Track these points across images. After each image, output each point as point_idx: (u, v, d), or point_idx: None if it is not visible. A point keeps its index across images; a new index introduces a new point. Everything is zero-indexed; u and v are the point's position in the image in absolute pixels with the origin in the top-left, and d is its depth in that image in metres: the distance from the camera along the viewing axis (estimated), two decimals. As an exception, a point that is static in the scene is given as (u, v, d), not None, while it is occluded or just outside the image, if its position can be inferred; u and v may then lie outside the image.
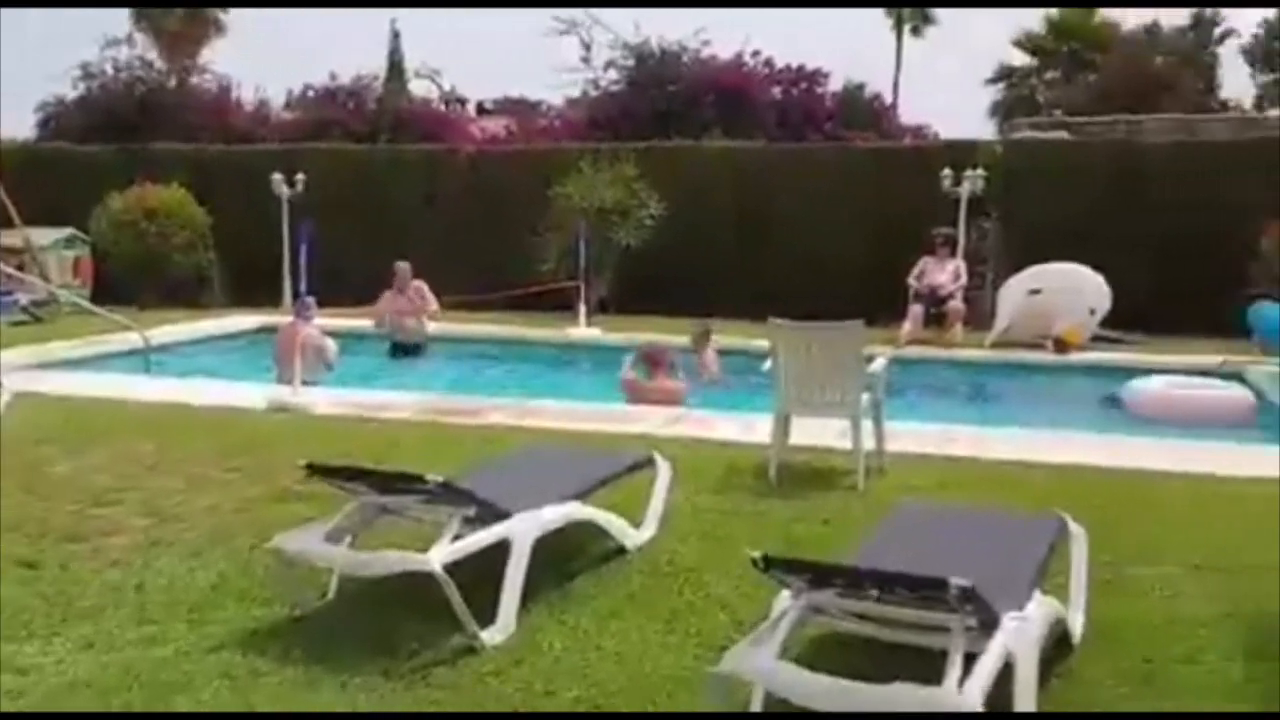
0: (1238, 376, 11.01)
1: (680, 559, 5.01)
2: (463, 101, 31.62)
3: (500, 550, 4.25)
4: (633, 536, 5.12)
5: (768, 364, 6.56)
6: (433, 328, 13.07)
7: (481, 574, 4.16)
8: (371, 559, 3.96)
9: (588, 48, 19.25)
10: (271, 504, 5.76)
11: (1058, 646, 3.97)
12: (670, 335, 12.31)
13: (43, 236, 17.80)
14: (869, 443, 6.66)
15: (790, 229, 16.35)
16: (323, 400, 8.89)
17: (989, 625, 3.24)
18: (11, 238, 17.36)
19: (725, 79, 18.40)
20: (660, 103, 18.25)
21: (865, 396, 6.54)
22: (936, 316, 13.45)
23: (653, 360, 9.49)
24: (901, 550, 4.09)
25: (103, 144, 19.40)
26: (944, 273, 13.55)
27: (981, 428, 8.20)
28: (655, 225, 15.73)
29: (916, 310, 13.19)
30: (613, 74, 19.13)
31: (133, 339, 11.66)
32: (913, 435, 7.57)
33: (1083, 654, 4.05)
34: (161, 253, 16.63)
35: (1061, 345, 12.29)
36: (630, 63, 18.91)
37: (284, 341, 10.17)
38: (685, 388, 9.44)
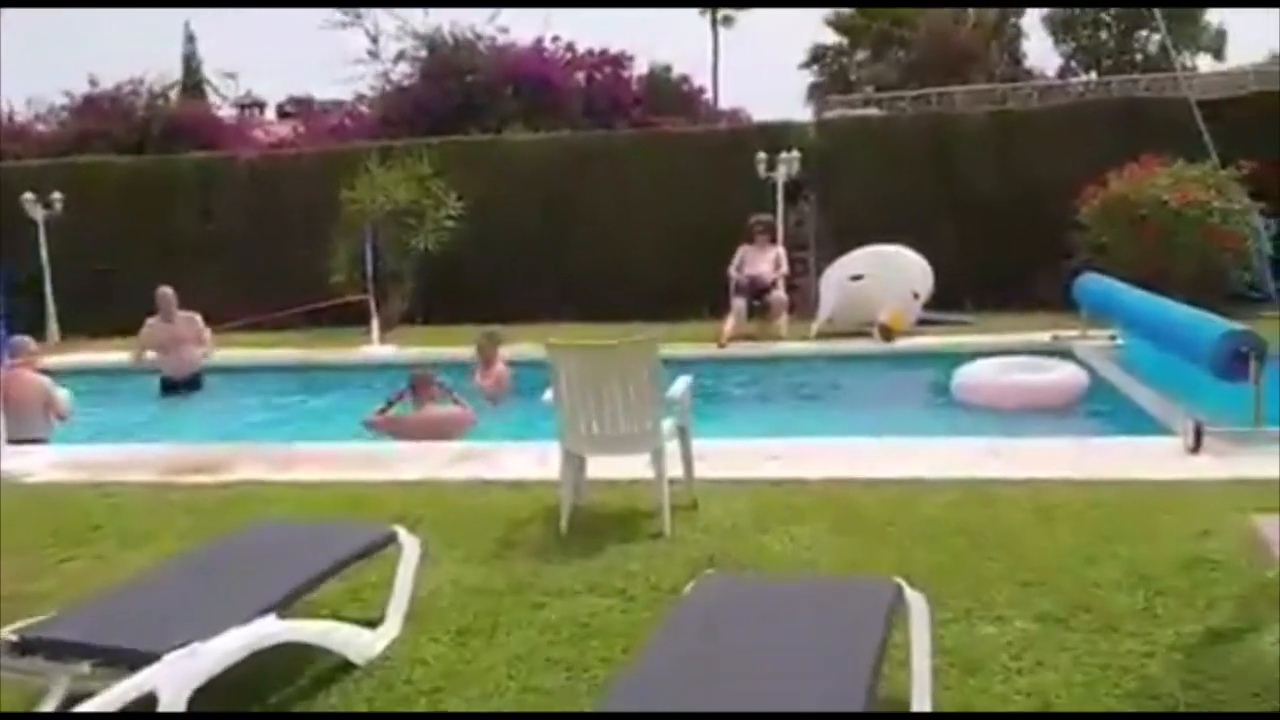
0: (1068, 353, 10.52)
1: (424, 671, 3.90)
2: (261, 106, 29.62)
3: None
4: (363, 645, 3.99)
5: (548, 394, 5.49)
6: (213, 356, 11.58)
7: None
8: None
9: (375, 40, 17.83)
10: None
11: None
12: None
13: None
14: (676, 471, 5.69)
15: (601, 223, 15.43)
16: (42, 462, 7.44)
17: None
18: None
19: (525, 66, 17.24)
20: (458, 95, 16.97)
21: (667, 424, 5.55)
22: (761, 309, 12.65)
23: (418, 387, 8.30)
24: (690, 660, 3.09)
25: None
26: (764, 262, 12.73)
27: (802, 440, 7.30)
28: (456, 227, 14.56)
29: (739, 304, 12.33)
30: (404, 67, 17.78)
31: None
32: (728, 456, 6.64)
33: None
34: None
35: (887, 332, 11.63)
36: (422, 53, 17.57)
37: (-1, 392, 8.62)
38: (457, 414, 8.28)
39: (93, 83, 18.54)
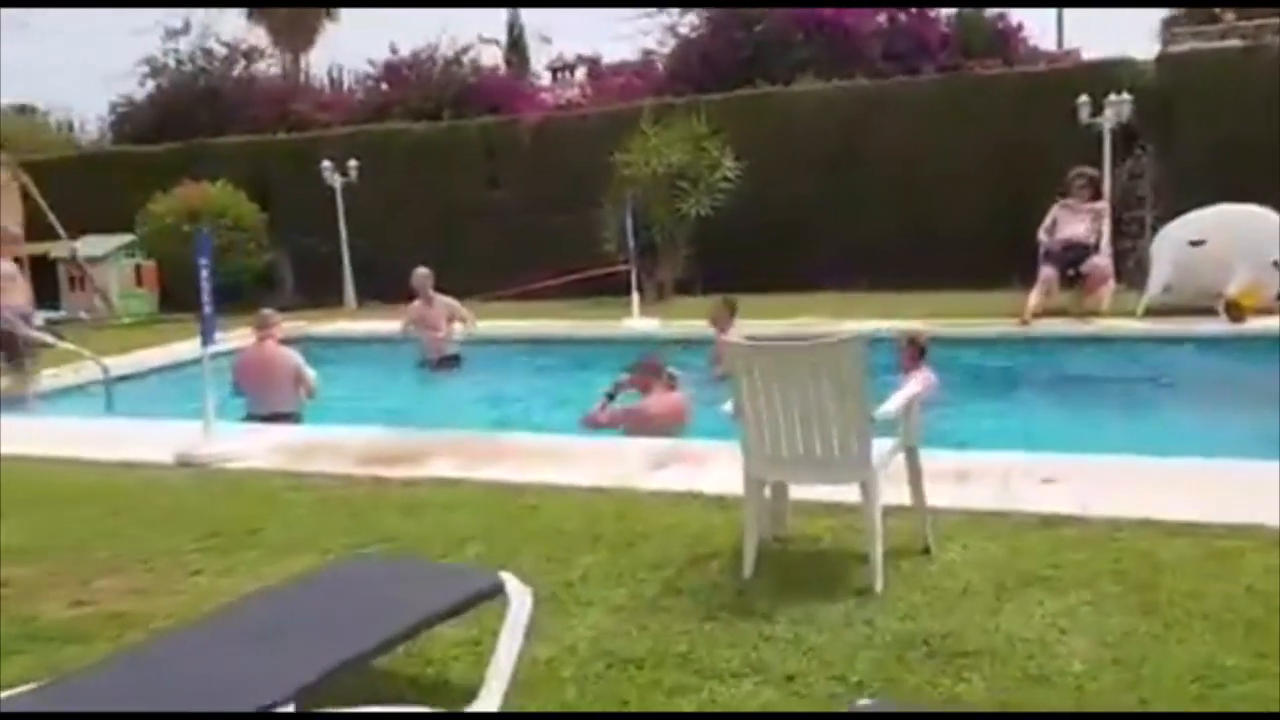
0: None
1: (493, 789, 2.96)
2: (571, 68, 29.63)
3: None
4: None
5: (728, 404, 4.38)
6: (480, 326, 11.24)
7: None
8: None
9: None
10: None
11: None
12: (750, 319, 10.20)
13: (98, 246, 16.86)
14: (896, 499, 4.46)
15: (897, 181, 13.93)
16: (263, 444, 7.08)
17: None
18: (59, 250, 16.48)
19: (819, 10, 15.81)
20: (746, 46, 15.83)
21: (885, 444, 4.31)
22: (1077, 278, 10.82)
23: (642, 375, 7.36)
24: None
25: (164, 142, 18.33)
26: (1081, 222, 10.88)
27: (1095, 459, 5.72)
28: (735, 189, 13.50)
29: (1048, 273, 10.60)
30: (692, 17, 16.78)
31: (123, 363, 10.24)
32: (991, 474, 5.33)
33: None
34: (206, 258, 15.25)
35: (1236, 310, 9.56)
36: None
37: (244, 367, 8.49)
38: (685, 401, 7.27)
39: (393, 50, 18.89)
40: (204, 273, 6.94)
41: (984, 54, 15.40)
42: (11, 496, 6.17)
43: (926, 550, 4.44)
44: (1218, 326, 9.55)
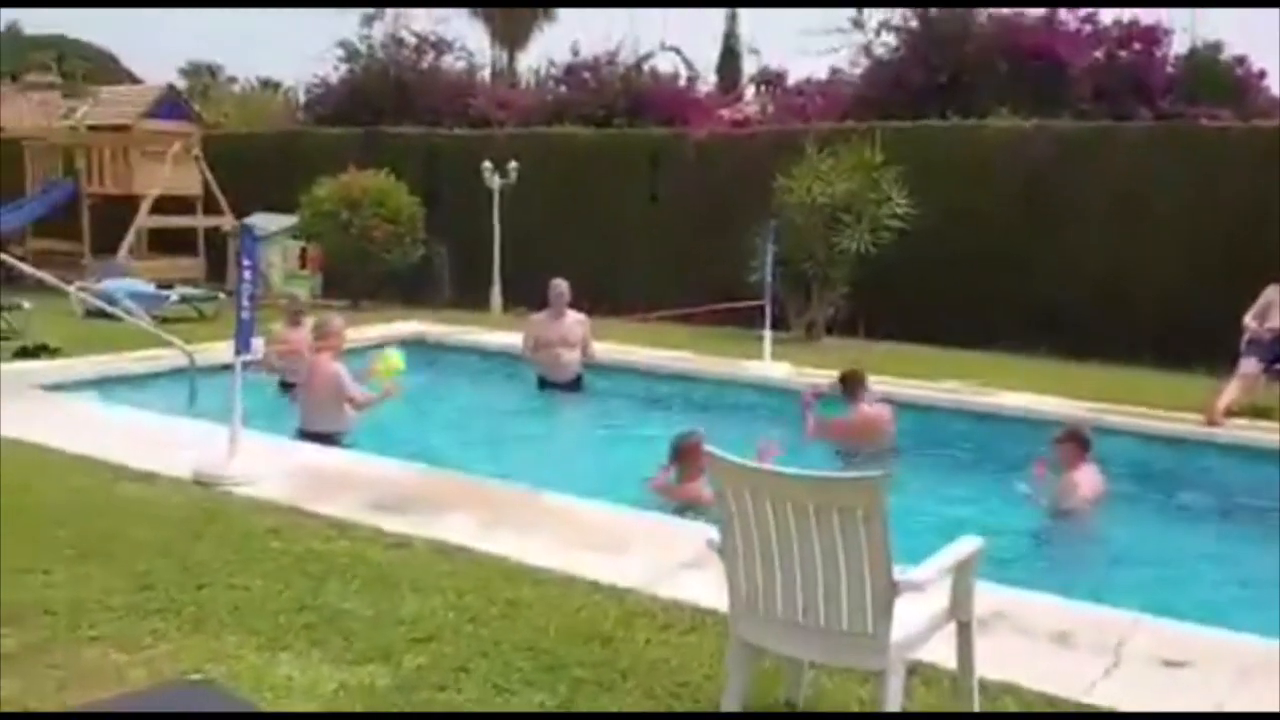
0: None
1: None
2: (771, 82, 28.38)
3: None
4: None
5: (715, 534, 3.33)
6: (597, 352, 10.36)
7: None
8: None
9: (860, 5, 15.51)
10: None
11: None
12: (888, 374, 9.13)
13: (268, 223, 16.89)
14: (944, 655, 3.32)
15: (1093, 236, 12.37)
16: (275, 468, 6.37)
17: None
18: (226, 225, 16.63)
19: (1028, 39, 14.23)
20: (942, 73, 14.41)
21: (921, 616, 3.19)
22: (1285, 376, 9.14)
23: (685, 453, 6.38)
24: None
25: (347, 127, 18.30)
26: (1300, 312, 9.18)
27: (1252, 640, 4.30)
28: (906, 227, 12.21)
29: (1250, 366, 8.96)
30: (889, 37, 15.43)
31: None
32: (1097, 640, 4.11)
33: None
34: (361, 247, 15.03)
35: None
36: (913, 23, 15.09)
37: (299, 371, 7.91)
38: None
39: (574, 52, 18.28)
40: (246, 274, 6.31)
41: (1215, 101, 13.51)
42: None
43: (968, 761, 3.30)
44: None
